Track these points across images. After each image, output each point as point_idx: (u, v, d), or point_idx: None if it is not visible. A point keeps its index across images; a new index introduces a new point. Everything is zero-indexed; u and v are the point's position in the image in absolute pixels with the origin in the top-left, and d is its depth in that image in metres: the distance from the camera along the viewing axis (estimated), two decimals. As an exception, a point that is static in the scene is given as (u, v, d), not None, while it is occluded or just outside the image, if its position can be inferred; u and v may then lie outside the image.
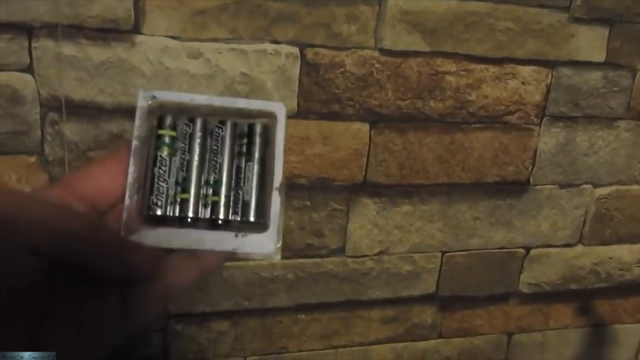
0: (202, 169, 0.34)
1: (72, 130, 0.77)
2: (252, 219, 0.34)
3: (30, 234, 0.26)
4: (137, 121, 0.34)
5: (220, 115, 0.36)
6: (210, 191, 0.34)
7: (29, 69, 0.73)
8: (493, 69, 0.92)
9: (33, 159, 0.77)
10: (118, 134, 0.79)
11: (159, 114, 0.35)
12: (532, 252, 1.07)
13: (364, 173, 0.92)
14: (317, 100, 0.86)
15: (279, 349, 0.99)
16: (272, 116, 0.36)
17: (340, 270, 0.96)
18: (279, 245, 0.34)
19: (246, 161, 0.35)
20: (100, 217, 0.32)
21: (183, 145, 0.34)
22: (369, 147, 0.91)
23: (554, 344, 1.17)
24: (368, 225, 0.95)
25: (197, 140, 0.35)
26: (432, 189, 0.97)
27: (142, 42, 0.76)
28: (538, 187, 1.02)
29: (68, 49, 0.73)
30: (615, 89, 0.99)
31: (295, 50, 0.82)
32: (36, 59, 0.73)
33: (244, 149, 0.35)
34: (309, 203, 0.91)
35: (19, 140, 0.75)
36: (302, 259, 0.93)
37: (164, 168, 0.33)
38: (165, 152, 0.33)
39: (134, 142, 0.34)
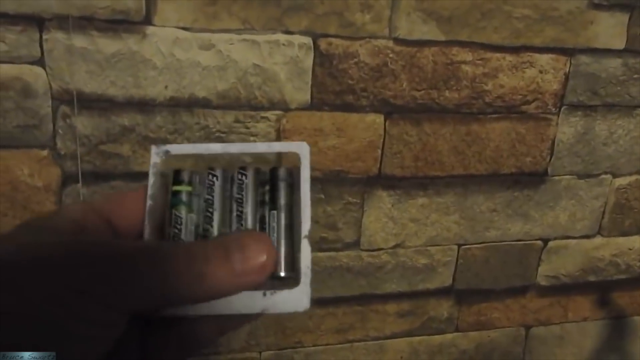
0: (224, 222, 0.31)
1: (83, 123, 0.76)
2: (282, 274, 0.30)
3: (123, 297, 0.25)
4: (151, 179, 0.31)
5: (241, 163, 0.33)
6: None
7: (40, 62, 0.72)
8: (510, 58, 0.90)
9: (45, 152, 0.76)
10: (130, 127, 0.78)
11: (173, 168, 0.32)
12: (550, 243, 1.05)
13: (378, 165, 0.90)
14: (330, 91, 0.84)
15: (294, 344, 0.98)
16: (295, 157, 0.32)
17: (355, 264, 0.95)
18: (310, 299, 0.31)
19: (270, 210, 0.31)
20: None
21: (202, 198, 0.31)
22: (384, 139, 0.89)
23: (573, 336, 1.15)
24: (383, 218, 0.94)
25: (217, 192, 0.32)
26: (448, 180, 0.95)
27: (153, 34, 0.75)
28: (556, 177, 1.00)
29: (79, 40, 0.72)
30: (635, 76, 0.97)
31: (308, 40, 0.81)
32: (47, 51, 0.72)
33: (267, 197, 0.32)
34: (322, 196, 0.89)
35: (31, 133, 0.75)
36: (317, 253, 0.92)
37: (179, 227, 0.30)
38: (181, 210, 0.31)
39: (149, 202, 0.31)
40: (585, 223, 1.06)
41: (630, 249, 1.10)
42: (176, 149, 0.32)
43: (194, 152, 0.32)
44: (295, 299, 0.30)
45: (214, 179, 0.32)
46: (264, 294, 0.29)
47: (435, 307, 1.03)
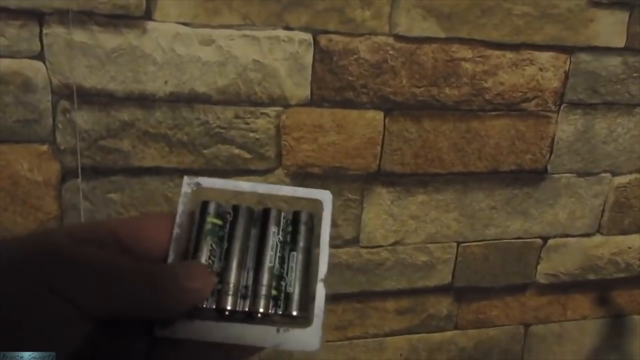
0: (244, 258, 0.33)
1: (83, 118, 0.76)
2: (295, 313, 0.32)
3: (91, 299, 0.26)
4: (180, 207, 0.32)
5: (264, 203, 0.35)
6: (251, 282, 0.32)
7: (39, 56, 0.72)
8: (510, 55, 0.90)
9: (45, 147, 0.76)
10: (130, 122, 0.78)
11: (202, 200, 0.33)
12: (550, 242, 1.05)
13: (378, 162, 0.90)
14: (330, 87, 0.84)
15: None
16: (317, 204, 0.34)
17: (354, 261, 0.95)
18: (322, 340, 0.32)
19: (290, 250, 0.33)
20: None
21: (224, 233, 0.33)
22: (384, 136, 0.89)
23: (572, 334, 1.15)
24: (383, 215, 0.94)
25: (240, 228, 0.33)
26: (448, 178, 0.95)
27: (154, 29, 0.75)
28: (556, 175, 1.00)
29: (79, 35, 0.73)
30: (635, 74, 0.97)
31: (308, 36, 0.81)
32: (47, 45, 0.72)
33: (289, 237, 0.33)
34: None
35: (31, 128, 0.75)
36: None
37: (213, 258, 0.32)
38: (207, 241, 0.32)
39: (176, 230, 0.32)
40: (584, 221, 1.06)
41: (629, 248, 1.10)
42: (207, 182, 0.34)
43: (223, 188, 0.34)
44: (306, 339, 0.31)
45: (237, 216, 0.33)
46: (278, 330, 0.31)
47: (434, 305, 1.03)
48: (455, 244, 1.00)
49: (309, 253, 0.33)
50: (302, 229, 0.33)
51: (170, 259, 0.31)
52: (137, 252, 0.31)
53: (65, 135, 0.76)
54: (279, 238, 0.33)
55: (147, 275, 0.28)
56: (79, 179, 0.78)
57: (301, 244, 0.33)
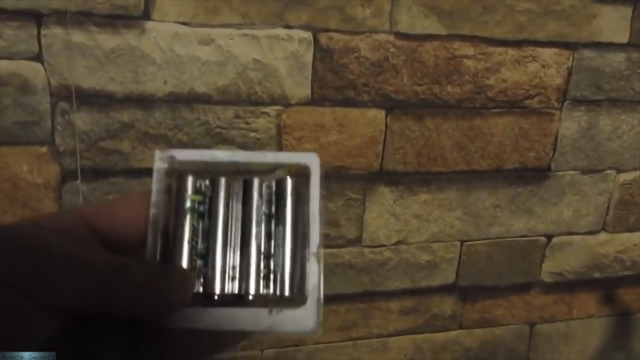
0: (227, 237, 0.30)
1: (82, 119, 0.76)
2: (287, 292, 0.29)
3: (51, 292, 0.24)
4: (155, 185, 0.30)
5: (246, 173, 0.31)
6: (238, 262, 0.30)
7: (38, 58, 0.72)
8: (512, 52, 0.90)
9: (44, 149, 0.76)
10: (129, 123, 0.78)
11: (178, 174, 0.30)
12: (554, 240, 1.04)
13: (380, 161, 0.90)
14: (331, 86, 0.84)
15: (296, 342, 0.97)
16: (304, 168, 0.31)
17: (357, 261, 0.95)
18: (319, 319, 0.29)
19: (276, 225, 0.30)
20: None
21: (205, 210, 0.30)
22: (385, 134, 0.88)
23: (578, 333, 1.14)
24: (385, 215, 0.93)
25: (222, 203, 0.30)
26: (451, 176, 0.94)
27: (153, 29, 0.75)
28: (560, 173, 0.99)
29: (77, 36, 0.72)
30: (639, 70, 0.96)
31: (308, 35, 0.81)
32: (45, 47, 0.72)
33: (274, 210, 0.30)
34: (324, 192, 0.89)
35: (30, 130, 0.74)
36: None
37: (196, 239, 0.30)
38: (187, 220, 0.29)
39: (152, 210, 0.29)
40: (589, 219, 1.05)
41: (635, 245, 1.09)
42: (181, 154, 0.30)
43: (200, 159, 0.31)
44: (300, 320, 0.29)
45: (216, 191, 0.30)
46: (270, 312, 0.29)
47: (438, 304, 1.03)
48: (459, 243, 0.99)
49: (297, 225, 0.30)
50: (289, 199, 0.30)
51: (149, 243, 0.29)
52: (114, 238, 0.29)
53: (65, 137, 0.76)
54: (264, 211, 0.30)
55: (120, 268, 0.26)
56: (79, 181, 0.78)
57: (288, 216, 0.30)
